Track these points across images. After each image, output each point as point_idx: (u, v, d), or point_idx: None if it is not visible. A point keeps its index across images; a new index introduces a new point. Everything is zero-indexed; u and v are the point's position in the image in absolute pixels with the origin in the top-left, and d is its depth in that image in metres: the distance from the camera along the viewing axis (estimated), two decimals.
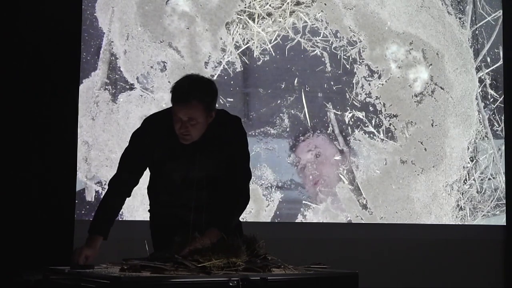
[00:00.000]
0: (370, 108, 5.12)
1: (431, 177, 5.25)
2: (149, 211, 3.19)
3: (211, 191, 3.01)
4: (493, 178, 5.50)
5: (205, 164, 2.98)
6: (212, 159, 2.98)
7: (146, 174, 3.10)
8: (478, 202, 5.43)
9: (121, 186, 2.99)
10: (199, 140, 2.95)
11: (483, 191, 5.45)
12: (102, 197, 3.04)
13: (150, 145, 2.99)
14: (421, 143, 5.24)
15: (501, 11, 5.65)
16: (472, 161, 5.43)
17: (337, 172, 4.98)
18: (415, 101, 5.25)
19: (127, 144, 3.07)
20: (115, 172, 3.03)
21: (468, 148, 5.42)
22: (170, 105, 2.95)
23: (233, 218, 2.94)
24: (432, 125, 5.29)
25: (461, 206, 5.35)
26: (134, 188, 3.03)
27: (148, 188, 3.16)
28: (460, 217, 5.34)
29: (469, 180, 5.40)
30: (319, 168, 4.92)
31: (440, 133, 5.31)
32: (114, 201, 2.97)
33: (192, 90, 2.88)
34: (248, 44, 4.78)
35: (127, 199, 3.02)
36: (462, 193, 5.37)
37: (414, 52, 5.27)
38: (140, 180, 3.08)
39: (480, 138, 5.47)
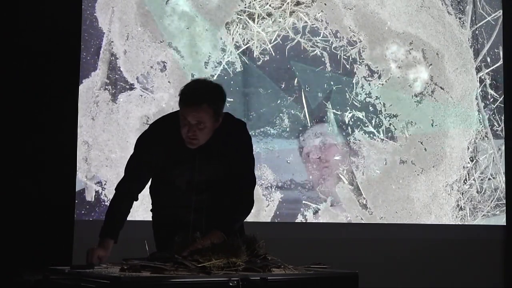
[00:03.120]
0: (370, 108, 5.11)
1: (431, 177, 5.25)
2: (151, 210, 3.20)
3: (212, 194, 3.00)
4: (493, 178, 5.50)
5: (207, 168, 2.97)
6: (214, 164, 2.97)
7: None
8: (478, 202, 5.43)
9: (128, 191, 3.00)
10: (203, 144, 2.93)
11: (483, 191, 5.45)
12: (110, 201, 3.06)
13: (156, 151, 2.98)
14: (421, 143, 5.24)
15: (501, 11, 5.65)
16: (472, 161, 5.42)
17: (337, 172, 4.98)
18: (415, 101, 5.25)
19: (134, 148, 3.06)
20: (122, 177, 3.04)
21: (468, 148, 5.42)
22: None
23: (236, 222, 2.93)
24: (432, 125, 5.29)
25: (461, 206, 5.35)
26: None
27: (150, 188, 3.16)
28: (460, 217, 5.34)
29: (469, 180, 5.39)
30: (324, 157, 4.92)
31: (440, 133, 5.31)
32: (121, 206, 2.97)
33: (203, 93, 2.86)
34: (248, 44, 4.78)
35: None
36: (462, 193, 5.37)
37: (414, 52, 5.27)
38: None
39: (480, 138, 5.47)
